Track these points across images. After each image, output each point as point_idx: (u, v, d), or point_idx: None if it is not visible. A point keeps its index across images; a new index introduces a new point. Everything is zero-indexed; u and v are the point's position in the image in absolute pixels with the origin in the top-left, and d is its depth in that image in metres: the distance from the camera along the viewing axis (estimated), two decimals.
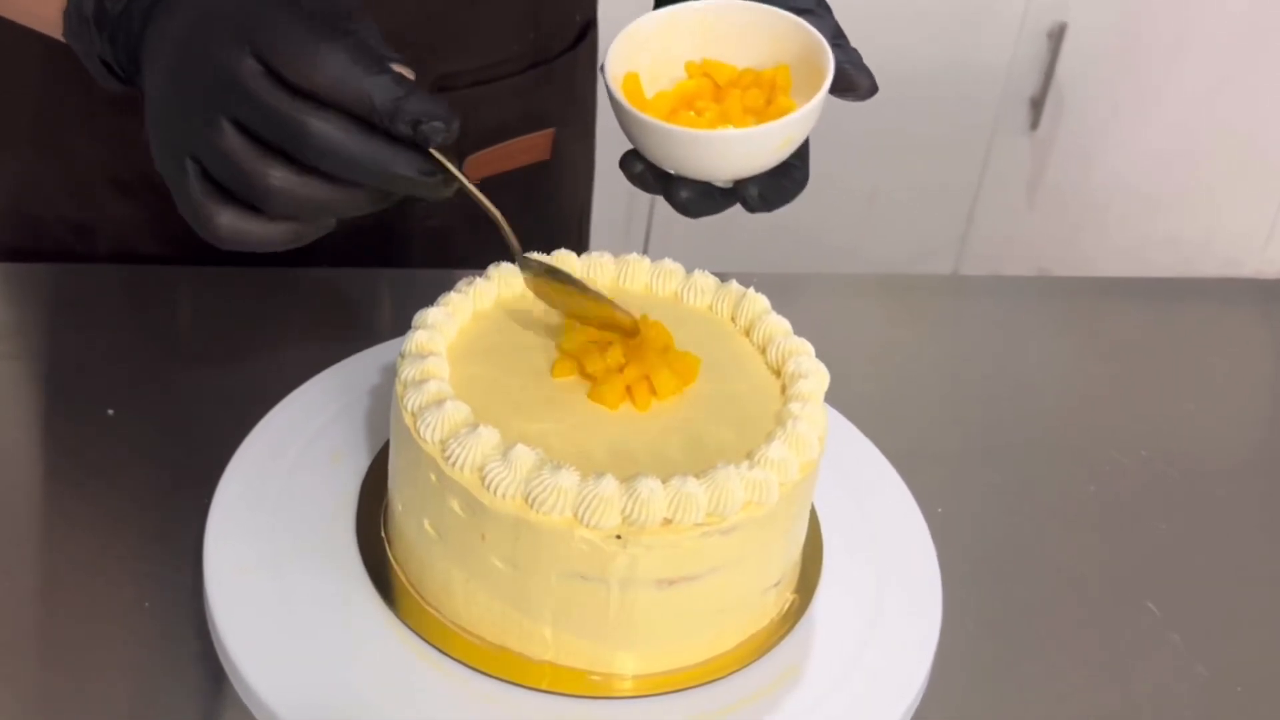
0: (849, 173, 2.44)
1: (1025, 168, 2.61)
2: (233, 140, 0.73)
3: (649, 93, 0.86)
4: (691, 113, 0.85)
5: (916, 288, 1.37)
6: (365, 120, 0.74)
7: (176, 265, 1.17)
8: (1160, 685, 0.95)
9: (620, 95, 0.83)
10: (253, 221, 0.76)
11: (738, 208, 0.85)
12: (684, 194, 0.84)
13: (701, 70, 0.87)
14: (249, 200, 0.75)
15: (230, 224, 0.75)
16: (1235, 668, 0.97)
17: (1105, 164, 2.61)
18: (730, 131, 0.82)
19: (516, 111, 1.24)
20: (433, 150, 0.75)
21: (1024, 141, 2.57)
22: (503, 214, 0.82)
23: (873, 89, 0.86)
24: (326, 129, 0.73)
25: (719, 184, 0.84)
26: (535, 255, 0.89)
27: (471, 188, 0.78)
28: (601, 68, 0.85)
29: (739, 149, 0.82)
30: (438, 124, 0.74)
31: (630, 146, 0.85)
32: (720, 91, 0.87)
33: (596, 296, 0.87)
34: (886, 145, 2.44)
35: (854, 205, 2.53)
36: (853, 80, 0.86)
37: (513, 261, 0.88)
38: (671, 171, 0.84)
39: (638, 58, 0.86)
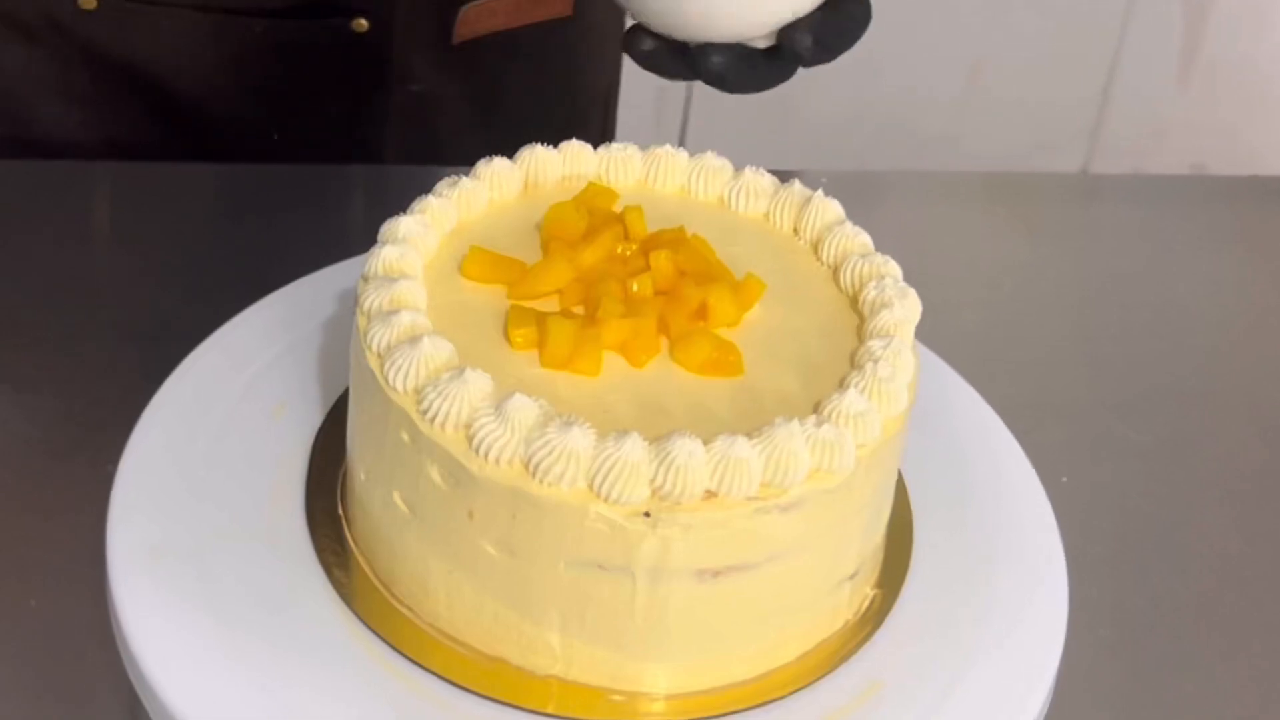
0: (946, 40, 2.44)
1: (1176, 35, 2.60)
2: None
3: None
4: None
5: (1035, 189, 1.38)
6: None
7: (80, 159, 1.17)
8: None
9: None
10: None
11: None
12: (715, 59, 0.84)
13: None
14: None
15: None
16: None
17: None
18: None
19: None
20: None
21: (1174, 1, 2.56)
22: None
23: None
24: None
25: (757, 44, 0.84)
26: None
27: None
28: None
29: None
30: None
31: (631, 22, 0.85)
32: None
33: None
34: (995, 3, 2.43)
35: (952, 82, 2.53)
36: None
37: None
38: (691, 41, 0.84)
39: None
